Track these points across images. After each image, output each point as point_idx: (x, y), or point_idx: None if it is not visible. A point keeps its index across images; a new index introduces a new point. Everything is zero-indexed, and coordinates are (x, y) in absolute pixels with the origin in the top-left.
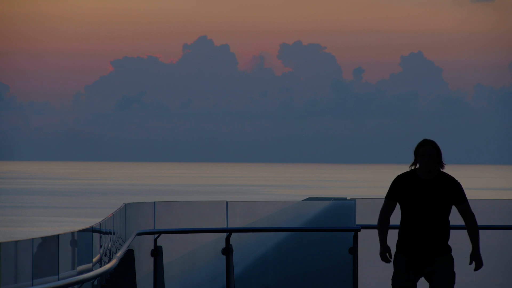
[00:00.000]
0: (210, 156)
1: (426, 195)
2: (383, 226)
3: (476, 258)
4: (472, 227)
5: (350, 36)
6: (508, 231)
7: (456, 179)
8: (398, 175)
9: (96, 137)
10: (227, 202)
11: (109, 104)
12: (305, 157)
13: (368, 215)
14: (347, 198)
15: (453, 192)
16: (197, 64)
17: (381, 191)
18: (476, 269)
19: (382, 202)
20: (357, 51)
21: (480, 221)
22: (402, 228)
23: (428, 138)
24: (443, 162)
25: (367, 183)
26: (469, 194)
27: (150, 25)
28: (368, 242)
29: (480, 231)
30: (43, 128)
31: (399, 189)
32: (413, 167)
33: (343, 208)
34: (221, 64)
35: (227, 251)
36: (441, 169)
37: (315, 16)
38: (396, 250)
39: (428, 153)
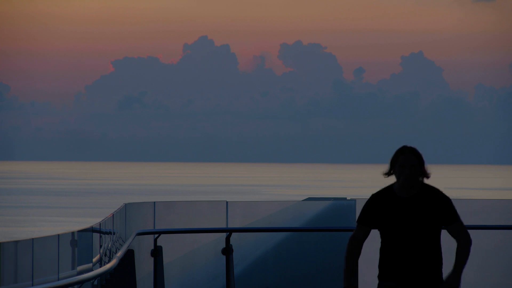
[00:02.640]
0: (210, 156)
1: (407, 216)
2: (352, 256)
3: (452, 282)
4: (463, 250)
5: (350, 36)
6: (508, 231)
7: (443, 193)
8: (372, 195)
9: (96, 137)
10: (227, 202)
11: (109, 104)
12: (305, 157)
13: None
14: (347, 198)
15: (441, 210)
16: (197, 64)
17: None
18: None
19: None
20: (357, 51)
21: (479, 221)
22: (383, 255)
23: (410, 145)
24: (427, 171)
25: (367, 183)
26: (468, 194)
27: (151, 25)
28: (368, 242)
29: (480, 231)
30: (44, 128)
31: (374, 213)
32: (387, 176)
33: (343, 208)
34: (221, 64)
35: (227, 251)
36: (423, 181)
37: (316, 16)
38: (379, 279)
39: (408, 164)
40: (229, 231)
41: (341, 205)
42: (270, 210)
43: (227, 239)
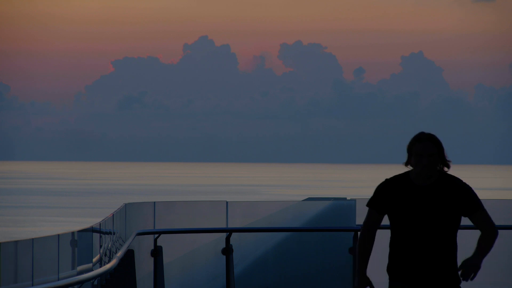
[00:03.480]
0: (210, 156)
1: (424, 206)
2: (365, 245)
3: (472, 268)
4: (487, 239)
5: (350, 36)
6: (508, 231)
7: (464, 182)
8: (386, 180)
9: (96, 137)
10: (227, 202)
11: (110, 104)
12: (305, 157)
13: None
14: (347, 198)
15: (461, 198)
16: (197, 64)
17: None
18: (465, 277)
19: None
20: (357, 51)
21: None
22: (393, 250)
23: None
24: (447, 160)
25: (367, 183)
26: None
27: (151, 25)
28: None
29: (479, 231)
30: (44, 128)
31: (387, 198)
32: (407, 169)
33: (343, 208)
34: (221, 64)
35: (227, 251)
36: (443, 171)
37: (316, 16)
38: (390, 279)
39: (427, 153)
40: (229, 231)
41: (341, 205)
42: (270, 210)
43: (227, 239)
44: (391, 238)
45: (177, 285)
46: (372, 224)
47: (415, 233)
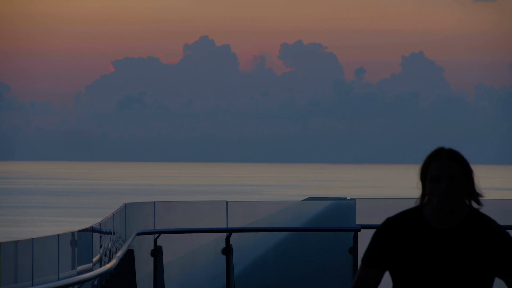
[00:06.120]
0: (210, 156)
1: (443, 260)
2: None
3: None
4: None
5: (351, 36)
6: (508, 231)
7: (501, 227)
8: (388, 220)
9: (97, 137)
10: (227, 202)
11: (110, 104)
12: (305, 157)
13: (368, 215)
14: (347, 198)
15: (499, 254)
16: (198, 64)
17: (381, 191)
18: None
19: (382, 202)
20: (358, 50)
21: None
22: None
23: (440, 144)
24: (478, 191)
25: (367, 183)
26: None
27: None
28: (368, 242)
29: None
30: (44, 128)
31: (390, 249)
32: (420, 202)
33: (343, 208)
34: (222, 64)
35: (227, 251)
36: (473, 206)
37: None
38: None
39: (446, 175)
40: (229, 231)
41: (341, 205)
42: (270, 210)
43: (227, 239)
44: None
45: (177, 285)
46: (367, 285)
47: None
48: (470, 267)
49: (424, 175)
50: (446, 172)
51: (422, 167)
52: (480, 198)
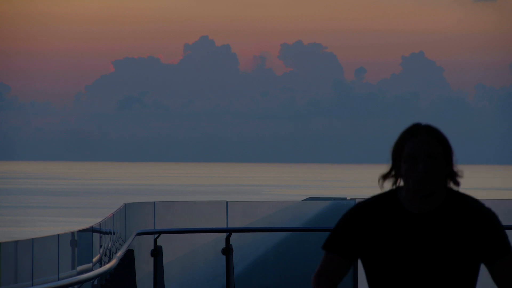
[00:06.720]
0: (210, 156)
1: (422, 247)
2: None
3: None
4: None
5: (351, 36)
6: (508, 231)
7: (486, 206)
8: (358, 204)
9: (97, 137)
10: (227, 202)
11: (110, 104)
12: (305, 157)
13: None
14: (347, 198)
15: (484, 236)
16: (198, 64)
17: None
18: None
19: None
20: (358, 50)
21: None
22: None
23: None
24: (456, 172)
25: (367, 183)
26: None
27: (151, 25)
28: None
29: None
30: (44, 128)
31: (359, 236)
32: (385, 180)
33: (343, 208)
34: (222, 64)
35: (227, 251)
36: (451, 188)
37: (316, 16)
38: None
39: (423, 154)
40: (229, 231)
41: (341, 205)
42: (270, 210)
43: (227, 239)
44: None
45: (177, 285)
46: (330, 276)
47: None
48: (453, 254)
49: (398, 154)
50: (425, 151)
51: (396, 145)
52: (459, 173)
